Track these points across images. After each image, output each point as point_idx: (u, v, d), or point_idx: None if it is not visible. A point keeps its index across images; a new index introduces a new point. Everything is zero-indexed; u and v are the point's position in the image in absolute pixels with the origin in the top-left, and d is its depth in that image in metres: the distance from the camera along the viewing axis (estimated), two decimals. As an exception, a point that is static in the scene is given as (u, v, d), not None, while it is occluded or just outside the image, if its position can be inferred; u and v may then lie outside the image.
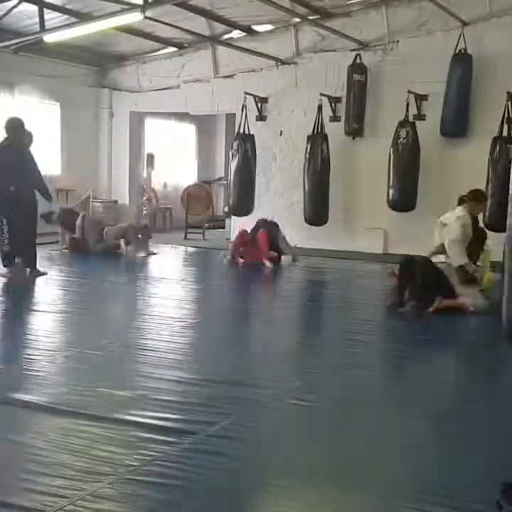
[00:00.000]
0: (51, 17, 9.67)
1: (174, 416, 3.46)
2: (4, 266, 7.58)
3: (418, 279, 6.19)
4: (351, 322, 6.07)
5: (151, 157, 13.61)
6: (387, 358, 5.05)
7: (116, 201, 13.20)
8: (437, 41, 9.79)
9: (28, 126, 7.76)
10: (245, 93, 10.92)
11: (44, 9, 9.25)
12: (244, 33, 11.51)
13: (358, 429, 3.45)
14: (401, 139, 9.67)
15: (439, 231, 6.73)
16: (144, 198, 13.34)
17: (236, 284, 8.66)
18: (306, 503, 2.66)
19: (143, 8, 8.27)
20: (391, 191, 9.76)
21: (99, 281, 8.34)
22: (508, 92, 9.06)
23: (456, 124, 9.65)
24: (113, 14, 8.74)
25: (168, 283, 8.03)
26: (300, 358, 4.99)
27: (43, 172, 11.62)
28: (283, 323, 6.24)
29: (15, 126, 7.49)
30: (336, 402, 3.87)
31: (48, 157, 12.14)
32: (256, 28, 11.41)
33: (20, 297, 6.88)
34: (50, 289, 7.37)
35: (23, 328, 5.53)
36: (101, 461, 2.88)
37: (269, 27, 11.34)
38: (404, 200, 9.72)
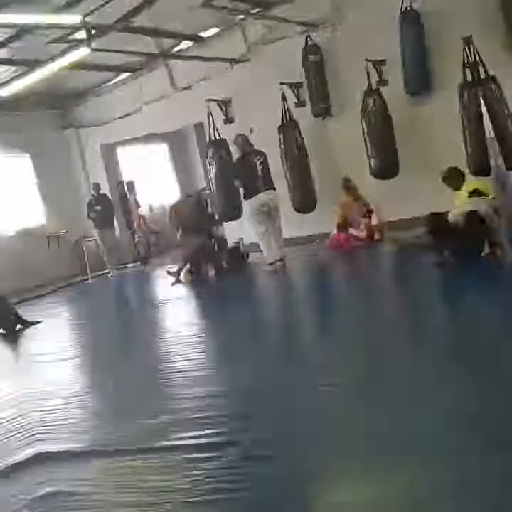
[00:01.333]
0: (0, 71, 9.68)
1: (211, 431, 3.43)
2: None
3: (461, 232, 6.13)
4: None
5: (131, 184, 13.61)
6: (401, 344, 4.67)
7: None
8: (382, 4, 9.77)
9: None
10: (207, 100, 10.91)
11: (-8, 66, 9.27)
12: (192, 42, 11.51)
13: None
14: (369, 108, 9.64)
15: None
16: (134, 225, 13.33)
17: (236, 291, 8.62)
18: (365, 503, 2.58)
19: (88, 41, 8.27)
20: (372, 161, 9.75)
21: (101, 302, 8.36)
22: (462, 38, 9.04)
23: (419, 81, 9.62)
24: (61, 54, 8.73)
25: (173, 304, 8.02)
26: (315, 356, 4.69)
27: (28, 224, 11.55)
28: (294, 323, 6.21)
29: None
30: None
31: (30, 209, 12.19)
32: (202, 34, 11.42)
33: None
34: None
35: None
36: (154, 491, 2.87)
37: (215, 30, 11.34)
38: (385, 165, 9.70)
